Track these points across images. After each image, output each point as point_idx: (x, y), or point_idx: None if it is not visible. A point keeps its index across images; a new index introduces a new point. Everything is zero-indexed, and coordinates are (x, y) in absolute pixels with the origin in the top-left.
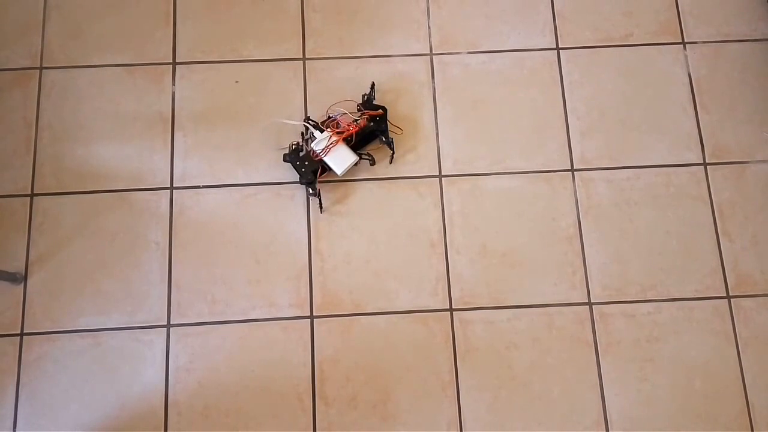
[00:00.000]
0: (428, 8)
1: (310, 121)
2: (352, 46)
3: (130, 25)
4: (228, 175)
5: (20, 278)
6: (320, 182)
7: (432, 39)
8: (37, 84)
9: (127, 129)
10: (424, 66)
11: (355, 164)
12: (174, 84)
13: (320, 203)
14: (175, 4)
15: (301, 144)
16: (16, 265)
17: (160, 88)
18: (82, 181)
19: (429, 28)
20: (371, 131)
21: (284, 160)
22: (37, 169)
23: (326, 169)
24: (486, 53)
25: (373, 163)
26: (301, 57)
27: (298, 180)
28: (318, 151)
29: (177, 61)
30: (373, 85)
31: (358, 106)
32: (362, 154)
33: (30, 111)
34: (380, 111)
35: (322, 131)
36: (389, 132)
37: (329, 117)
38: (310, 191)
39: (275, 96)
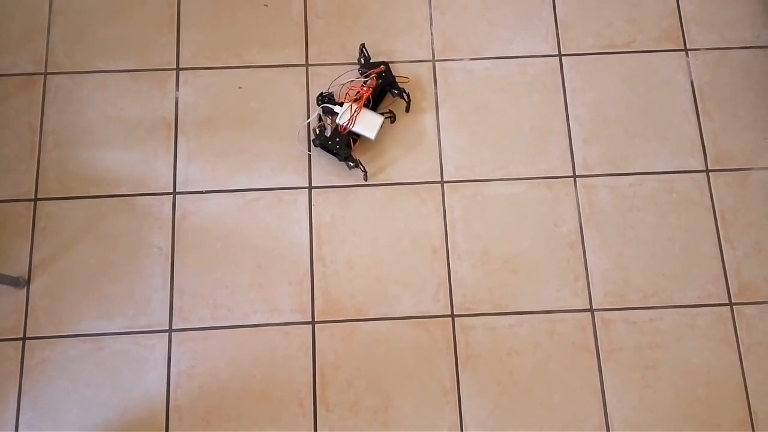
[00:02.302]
0: (431, 14)
1: (324, 98)
2: (355, 51)
3: (135, 31)
4: (231, 180)
5: (23, 282)
6: (319, 188)
7: (434, 45)
8: (42, 89)
9: (130, 134)
10: (426, 72)
11: (382, 125)
12: (177, 89)
13: (365, 172)
14: (179, 10)
15: (324, 125)
16: (19, 270)
17: (163, 93)
18: (85, 185)
19: (431, 34)
20: (381, 88)
21: (314, 145)
22: (40, 173)
23: (356, 139)
24: (488, 59)
25: (393, 119)
26: (304, 63)
27: (336, 156)
28: (345, 124)
29: (181, 66)
30: (362, 46)
31: (359, 69)
32: (383, 113)
33: (34, 116)
34: (382, 67)
35: (340, 105)
36: (397, 82)
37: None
38: (351, 164)
39: (278, 101)
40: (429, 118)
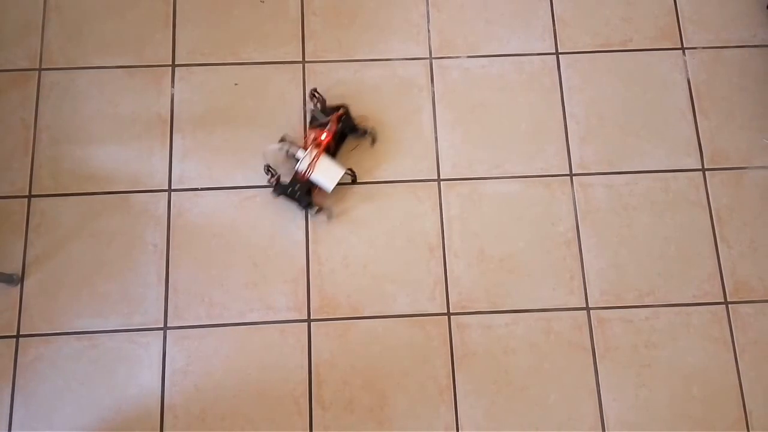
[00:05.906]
0: (428, 12)
1: (288, 138)
2: (352, 49)
3: (130, 27)
4: (226, 177)
5: (17, 280)
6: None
7: (431, 43)
8: (36, 85)
9: (125, 131)
10: (423, 70)
11: (342, 178)
12: (173, 86)
13: (329, 215)
14: (175, 7)
15: (275, 173)
16: (13, 267)
17: (159, 90)
18: (80, 182)
19: (428, 32)
20: (341, 131)
21: (276, 195)
22: (35, 170)
23: (316, 185)
24: (485, 57)
25: (354, 179)
26: (301, 60)
27: (297, 203)
28: (304, 171)
29: (176, 63)
30: (314, 90)
31: (312, 119)
32: (346, 171)
33: (28, 112)
34: (342, 110)
35: (304, 149)
36: (358, 125)
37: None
38: (314, 211)
39: (274, 99)
40: (425, 116)
